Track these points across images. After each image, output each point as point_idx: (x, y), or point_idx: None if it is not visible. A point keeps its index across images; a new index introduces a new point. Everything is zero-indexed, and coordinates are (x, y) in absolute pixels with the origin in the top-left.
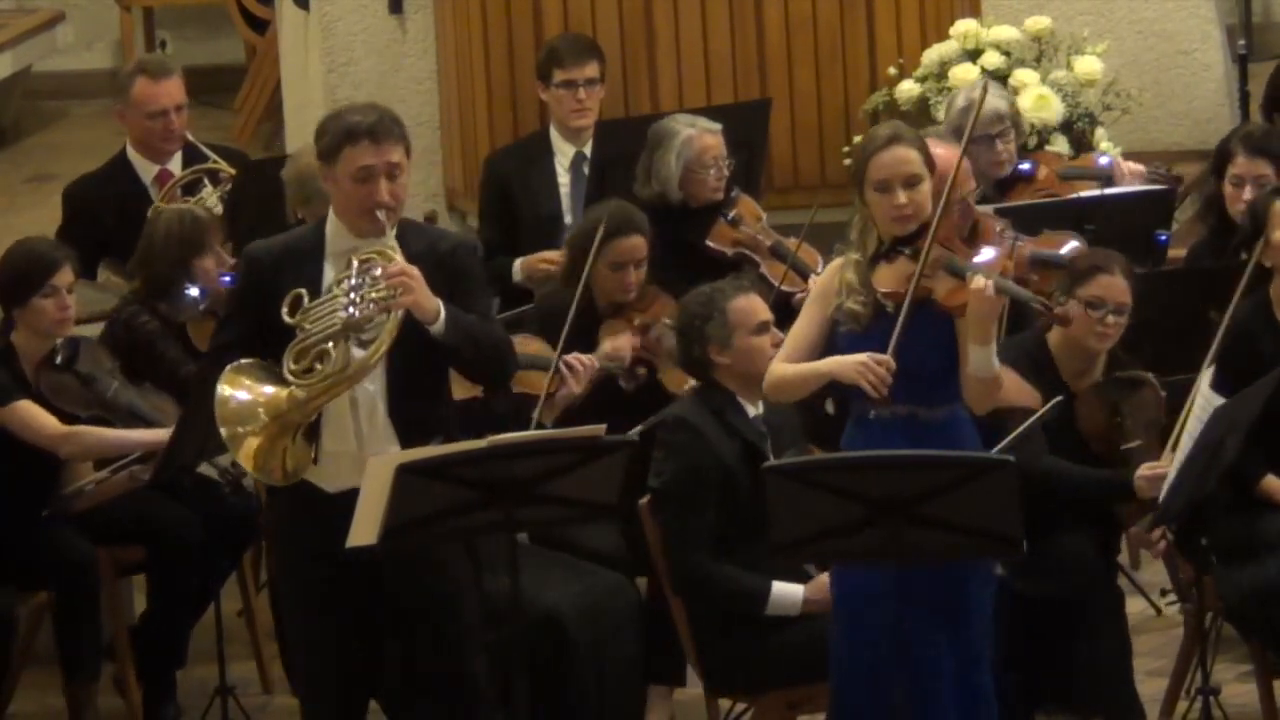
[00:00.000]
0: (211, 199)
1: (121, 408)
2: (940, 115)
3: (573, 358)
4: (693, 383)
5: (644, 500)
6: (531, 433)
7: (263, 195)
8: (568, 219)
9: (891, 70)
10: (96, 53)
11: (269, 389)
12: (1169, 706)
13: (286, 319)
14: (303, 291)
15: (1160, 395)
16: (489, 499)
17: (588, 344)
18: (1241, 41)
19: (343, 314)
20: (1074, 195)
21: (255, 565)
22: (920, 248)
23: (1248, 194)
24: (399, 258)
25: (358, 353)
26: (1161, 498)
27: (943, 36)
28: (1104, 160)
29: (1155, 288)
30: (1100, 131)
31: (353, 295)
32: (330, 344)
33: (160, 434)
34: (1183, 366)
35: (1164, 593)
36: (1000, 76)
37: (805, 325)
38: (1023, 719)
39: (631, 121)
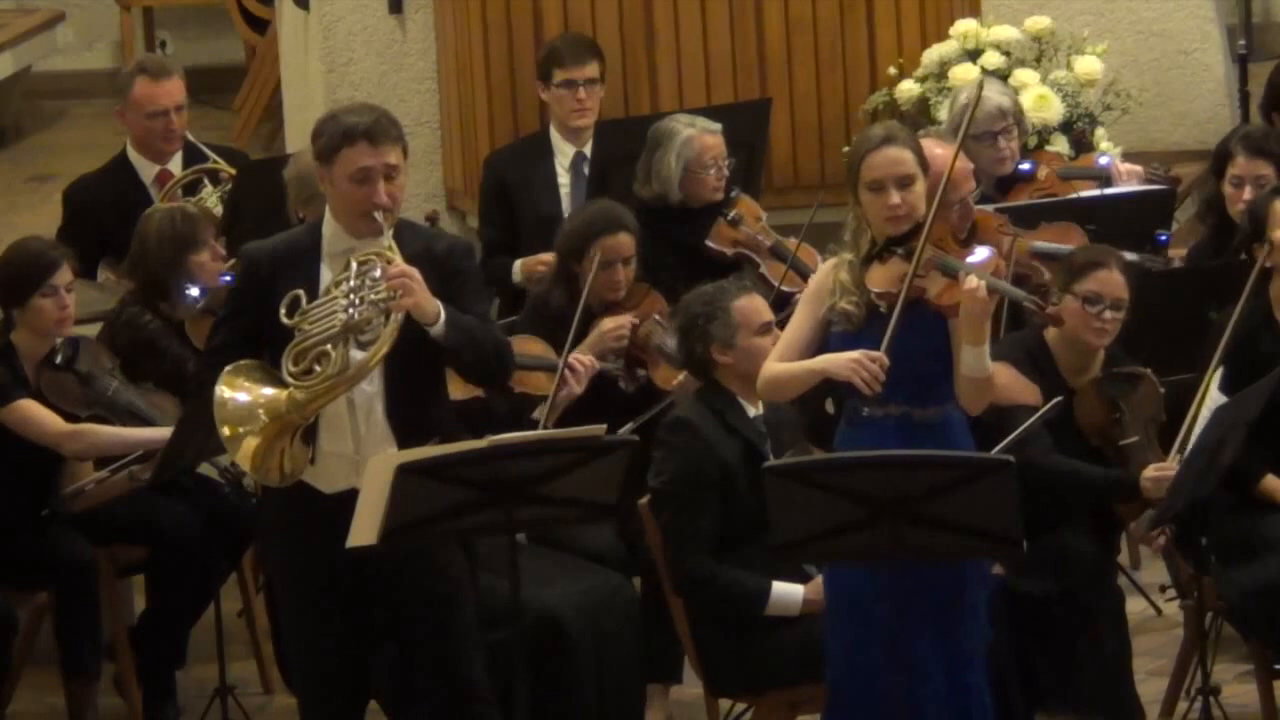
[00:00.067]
0: (211, 199)
1: (121, 407)
2: (940, 115)
3: (573, 359)
4: (681, 378)
5: (644, 500)
6: (531, 433)
7: (263, 195)
8: None
9: (891, 70)
10: (96, 53)
11: (268, 390)
12: (1169, 706)
13: (285, 320)
14: (301, 293)
15: (1159, 391)
16: (489, 499)
17: (579, 344)
18: (1241, 41)
19: (342, 315)
20: (1074, 195)
21: (255, 565)
22: (913, 248)
23: (1248, 194)
24: (398, 259)
25: (357, 354)
26: (1162, 498)
27: (943, 36)
28: (1103, 160)
29: (1155, 288)
30: (1100, 131)
31: (352, 297)
32: (329, 345)
33: (163, 432)
34: (1182, 366)
35: (1164, 589)
36: (1000, 76)
37: (799, 325)
38: (1023, 719)
39: (631, 121)
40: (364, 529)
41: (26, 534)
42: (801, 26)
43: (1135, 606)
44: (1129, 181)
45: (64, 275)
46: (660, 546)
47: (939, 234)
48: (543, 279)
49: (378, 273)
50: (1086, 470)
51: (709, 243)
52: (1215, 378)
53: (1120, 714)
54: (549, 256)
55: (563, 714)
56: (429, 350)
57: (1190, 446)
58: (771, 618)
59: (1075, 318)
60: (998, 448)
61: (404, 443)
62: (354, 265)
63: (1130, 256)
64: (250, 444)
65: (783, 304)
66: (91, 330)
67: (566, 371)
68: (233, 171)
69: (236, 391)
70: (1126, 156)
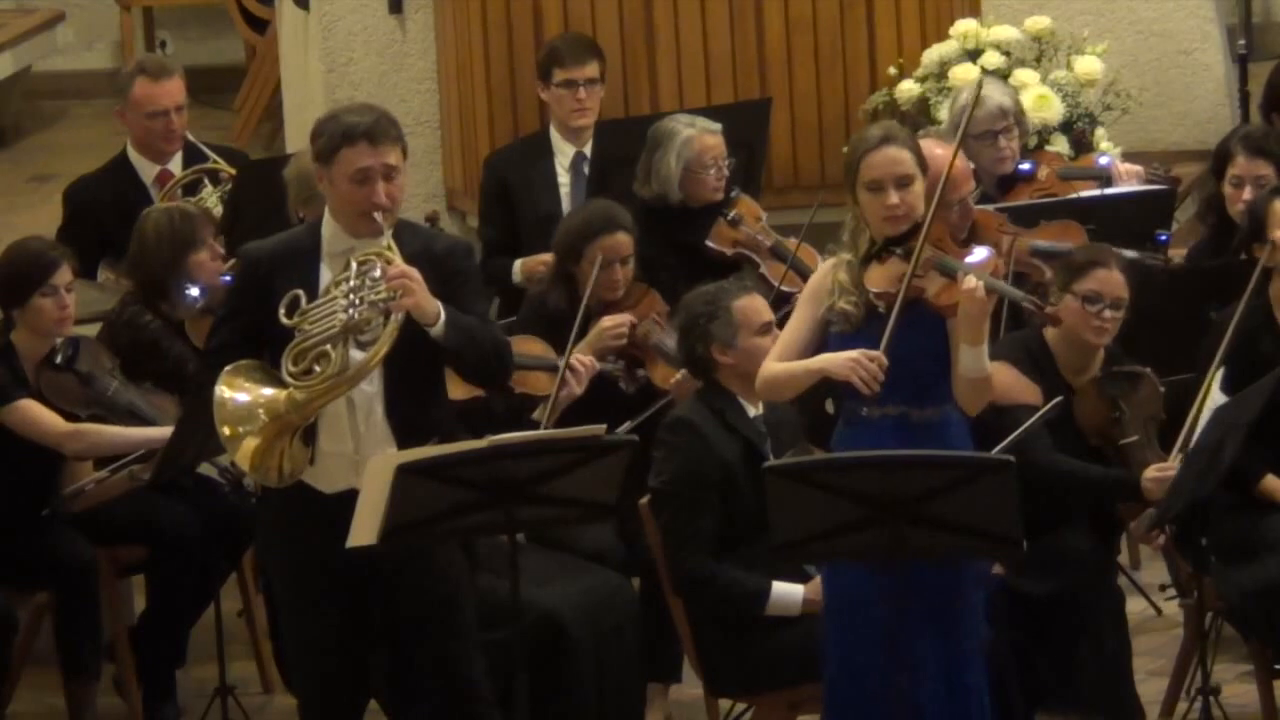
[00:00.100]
0: (211, 199)
1: (121, 407)
2: (940, 115)
3: (574, 359)
4: (679, 376)
5: (644, 500)
6: (531, 433)
7: (263, 195)
8: None
9: (891, 70)
10: (96, 53)
11: (268, 390)
12: (1169, 706)
13: (284, 320)
14: (300, 293)
15: (1159, 390)
16: (489, 499)
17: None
18: (1241, 41)
19: (342, 316)
20: (1074, 195)
21: (255, 565)
22: (912, 248)
23: (1248, 194)
24: (398, 259)
25: (357, 355)
26: (1162, 498)
27: (943, 36)
28: (1103, 160)
29: (1155, 287)
30: (1100, 131)
31: (352, 297)
32: (329, 346)
33: (165, 432)
34: (1182, 366)
35: (1163, 587)
36: (1000, 76)
37: (797, 326)
38: (1023, 719)
39: (631, 121)
40: (364, 529)
41: (26, 534)
42: (801, 26)
43: (1135, 606)
44: (1129, 181)
45: (63, 275)
46: (660, 546)
47: (937, 234)
48: (541, 279)
49: (377, 273)
50: (1088, 470)
51: (709, 243)
52: (1216, 378)
53: (1120, 714)
54: (549, 257)
55: (563, 714)
56: (429, 350)
57: (1190, 446)
58: (771, 618)
59: (1075, 317)
60: (998, 447)
61: (403, 443)
62: (354, 265)
63: (1129, 254)
64: (250, 444)
65: (783, 304)
66: (91, 330)
67: (567, 372)
68: (233, 171)
69: (236, 392)
70: (1126, 156)
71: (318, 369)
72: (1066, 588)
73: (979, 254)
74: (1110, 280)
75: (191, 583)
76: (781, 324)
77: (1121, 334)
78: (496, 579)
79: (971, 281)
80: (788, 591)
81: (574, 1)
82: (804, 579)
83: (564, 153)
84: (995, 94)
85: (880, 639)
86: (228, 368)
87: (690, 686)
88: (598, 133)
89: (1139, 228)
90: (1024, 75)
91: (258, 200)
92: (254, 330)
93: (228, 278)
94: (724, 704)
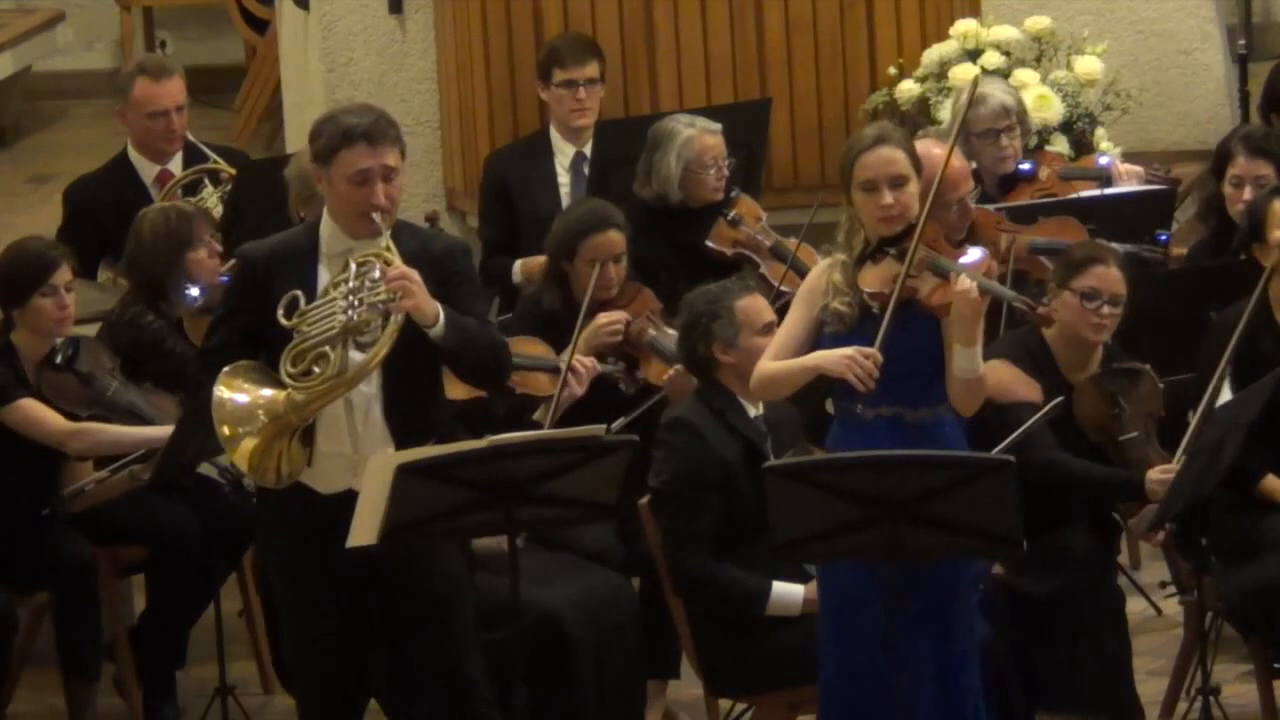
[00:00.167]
0: (212, 199)
1: (121, 407)
2: (940, 115)
3: (575, 360)
4: (672, 371)
5: (644, 500)
6: (531, 433)
7: (263, 195)
8: None
9: (891, 70)
10: (96, 53)
11: (267, 391)
12: (1169, 706)
13: (283, 321)
14: (299, 294)
15: (1158, 387)
16: (489, 499)
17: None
18: (1241, 41)
19: (341, 317)
20: (1074, 195)
21: (255, 565)
22: (906, 248)
23: (1248, 194)
24: (397, 260)
25: (356, 356)
26: (1162, 498)
27: (943, 36)
28: (1104, 160)
29: (1155, 287)
30: (1100, 131)
31: (351, 298)
32: (328, 347)
33: (167, 431)
34: (1182, 366)
35: (1164, 584)
36: (1000, 76)
37: (792, 326)
38: (1023, 719)
39: (631, 121)
40: (364, 529)
41: (26, 534)
42: (801, 26)
43: (1135, 606)
44: (1129, 182)
45: (64, 275)
46: (660, 546)
47: (931, 234)
48: (535, 279)
49: (377, 274)
50: (1091, 470)
51: (709, 243)
52: (1227, 383)
53: (1120, 714)
54: None
55: (563, 714)
56: (427, 351)
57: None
58: (771, 618)
59: (1073, 313)
60: (1000, 446)
61: (402, 443)
62: (353, 266)
63: (1126, 247)
64: (248, 444)
65: (783, 304)
66: (91, 330)
67: (569, 373)
68: (233, 171)
69: (235, 392)
70: (1126, 156)
71: (317, 370)
72: (1066, 587)
73: (972, 254)
74: (1108, 277)
75: (191, 583)
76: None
77: (1121, 334)
78: (496, 579)
79: (964, 282)
80: (788, 591)
81: (574, 1)
82: (804, 579)
83: (564, 153)
84: (998, 92)
85: (876, 640)
86: (226, 368)
87: (690, 686)
88: (598, 133)
89: (1139, 228)
90: (1024, 75)
91: (258, 200)
92: (252, 330)
93: (226, 278)
94: (724, 704)
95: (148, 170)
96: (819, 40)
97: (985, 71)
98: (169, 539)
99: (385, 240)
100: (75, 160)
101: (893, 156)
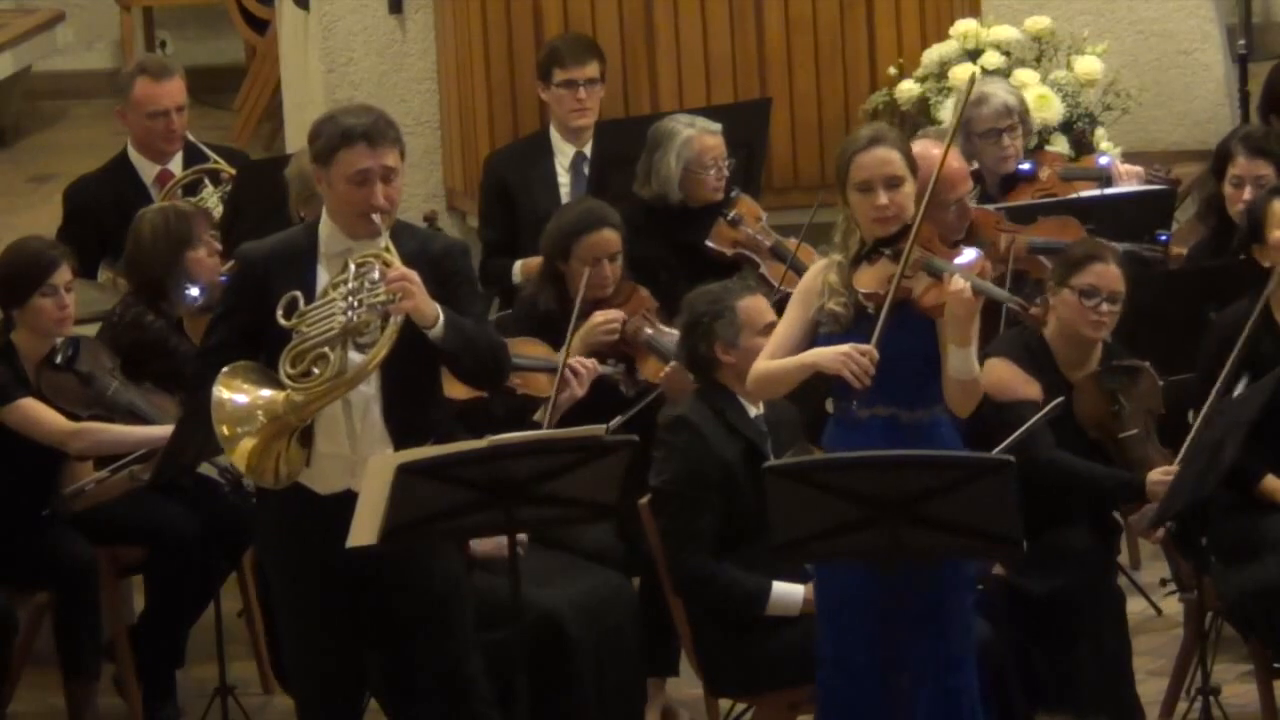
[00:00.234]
0: (212, 199)
1: (121, 406)
2: (940, 115)
3: (575, 361)
4: (668, 368)
5: (644, 500)
6: (531, 433)
7: (263, 195)
8: None
9: (891, 70)
10: (96, 53)
11: (266, 392)
12: (1169, 706)
13: (282, 321)
14: (298, 294)
15: (1158, 384)
16: (489, 499)
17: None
18: (1241, 41)
19: (340, 318)
20: (1074, 195)
21: (255, 565)
22: (901, 249)
23: (1248, 194)
24: (397, 261)
25: (355, 357)
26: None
27: (943, 36)
28: (1104, 160)
29: (1155, 287)
30: (1100, 131)
31: (350, 299)
32: (328, 348)
33: (166, 430)
34: (1182, 365)
35: (1164, 582)
36: (1000, 76)
37: (788, 326)
38: (1023, 719)
39: (631, 121)
40: (364, 529)
41: (26, 534)
42: (801, 26)
43: (1135, 606)
44: (1129, 182)
45: (64, 275)
46: (660, 546)
47: (927, 235)
48: (531, 280)
49: (376, 275)
50: (1092, 470)
51: (709, 243)
52: (1239, 385)
53: (1120, 714)
54: None
55: (563, 714)
56: (426, 352)
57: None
58: (771, 618)
59: (1072, 311)
60: (1001, 445)
61: (400, 444)
62: (352, 267)
63: (1126, 247)
64: (247, 445)
65: (783, 304)
66: (91, 330)
67: (569, 374)
68: (233, 171)
69: (234, 393)
70: (1126, 156)
71: (316, 371)
72: (1066, 587)
73: (967, 255)
74: (1107, 274)
75: (191, 583)
76: None
77: (1121, 334)
78: (496, 579)
79: (958, 282)
80: (788, 591)
81: (574, 1)
82: (804, 579)
83: (564, 153)
84: (1000, 92)
85: (873, 641)
86: (226, 369)
87: (689, 685)
88: (598, 133)
89: (1139, 228)
90: (1024, 75)
91: (258, 200)
92: (251, 330)
93: (226, 278)
94: (724, 704)
95: (148, 170)
96: (819, 40)
97: (985, 71)
98: (169, 539)
99: (384, 241)
100: (75, 160)
101: (888, 157)
